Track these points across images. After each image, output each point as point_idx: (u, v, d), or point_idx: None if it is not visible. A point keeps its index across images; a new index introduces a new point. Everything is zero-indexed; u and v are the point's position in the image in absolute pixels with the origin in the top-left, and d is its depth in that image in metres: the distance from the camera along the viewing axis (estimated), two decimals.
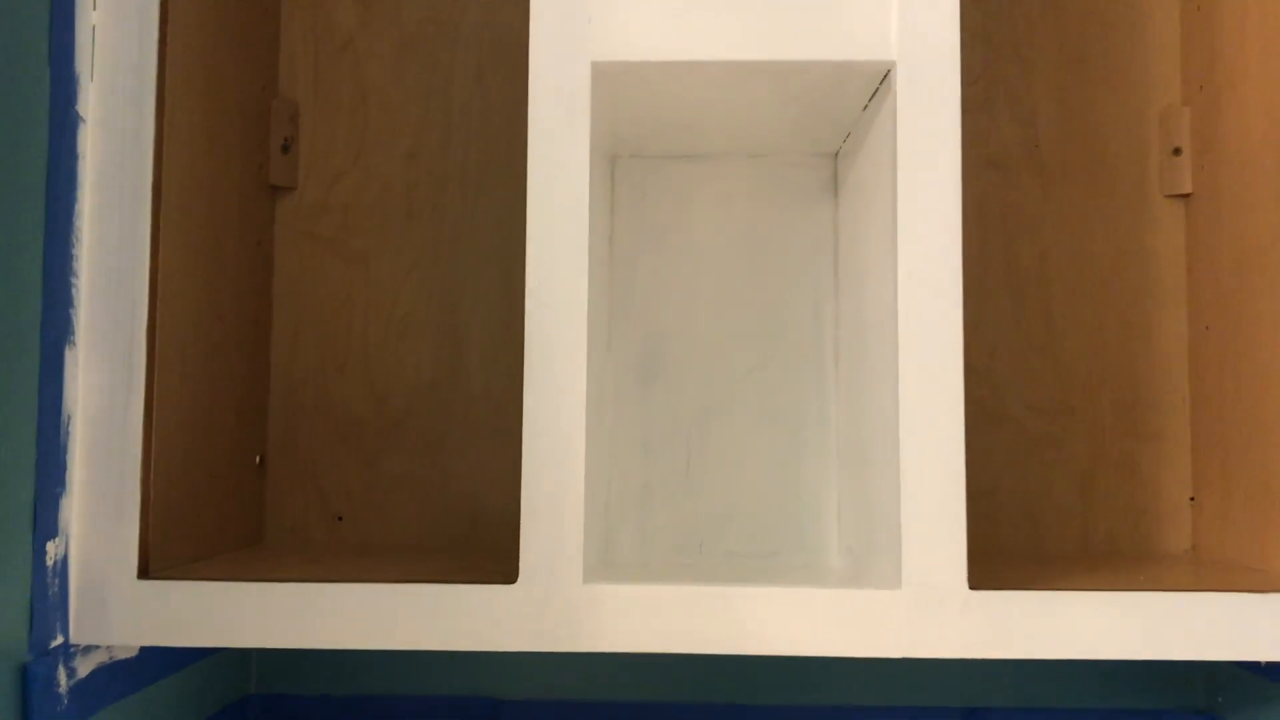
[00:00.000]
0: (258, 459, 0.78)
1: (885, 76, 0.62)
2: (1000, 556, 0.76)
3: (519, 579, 0.58)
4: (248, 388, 0.77)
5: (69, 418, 0.58)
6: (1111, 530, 0.79)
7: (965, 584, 0.57)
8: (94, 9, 0.60)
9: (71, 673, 0.58)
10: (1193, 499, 0.78)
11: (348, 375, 0.80)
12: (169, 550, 0.63)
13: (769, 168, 0.80)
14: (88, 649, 0.60)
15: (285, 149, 0.80)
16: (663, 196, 0.80)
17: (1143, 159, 0.80)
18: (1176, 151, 0.79)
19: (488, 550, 0.75)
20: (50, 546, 0.57)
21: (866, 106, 0.67)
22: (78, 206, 0.59)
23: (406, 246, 0.81)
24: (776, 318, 0.79)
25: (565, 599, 0.58)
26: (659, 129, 0.75)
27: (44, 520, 0.56)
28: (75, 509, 0.59)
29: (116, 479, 0.59)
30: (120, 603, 0.59)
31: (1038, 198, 0.81)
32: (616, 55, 0.61)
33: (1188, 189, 0.78)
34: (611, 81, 0.63)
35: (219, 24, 0.70)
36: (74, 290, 0.59)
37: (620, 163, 0.80)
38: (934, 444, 0.58)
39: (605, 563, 0.75)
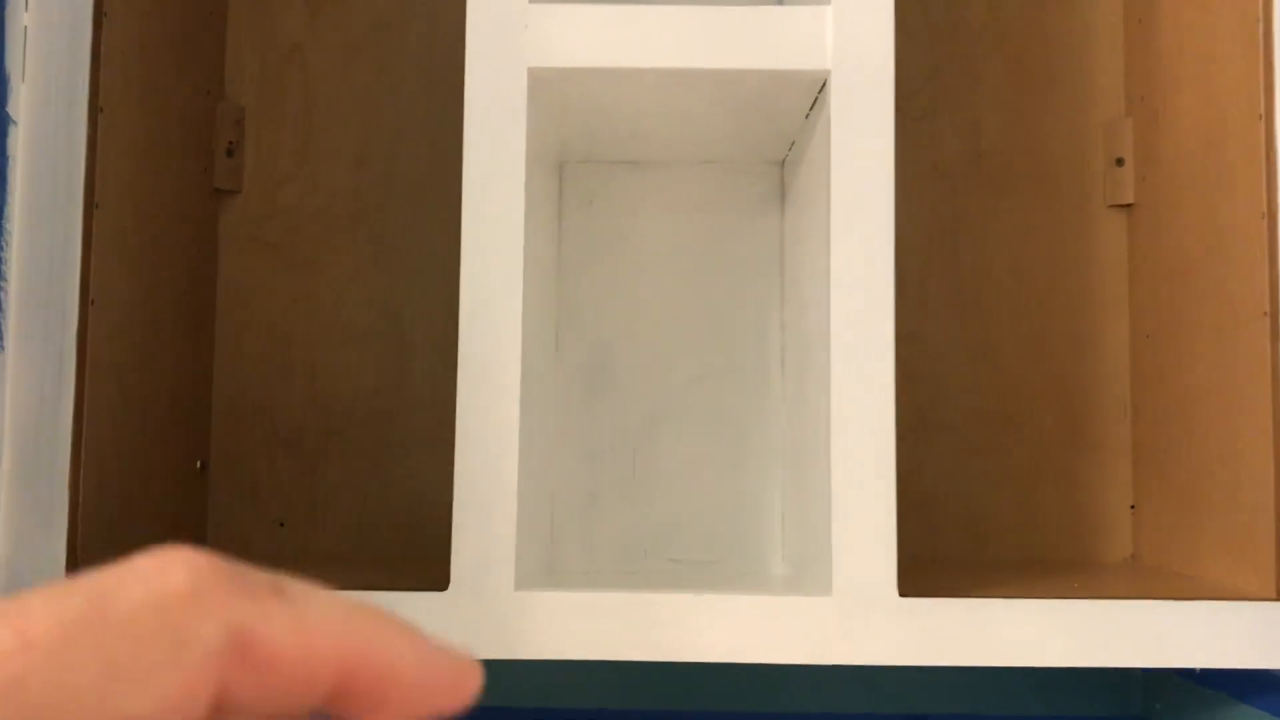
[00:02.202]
0: (199, 465, 0.78)
1: (823, 86, 0.62)
2: (940, 565, 0.76)
3: (450, 586, 0.58)
4: (189, 393, 0.76)
5: None
6: (1053, 538, 0.79)
7: (895, 591, 0.57)
8: (25, 9, 0.60)
9: None
10: (1133, 507, 0.79)
11: (291, 381, 0.80)
12: (102, 562, 0.62)
13: (717, 175, 0.80)
14: None
15: (230, 153, 0.80)
16: (611, 203, 0.80)
17: (1086, 169, 0.81)
18: (1119, 162, 0.79)
19: (429, 557, 0.74)
20: None
21: (808, 115, 0.68)
22: (7, 210, 0.59)
23: (352, 252, 0.81)
24: (724, 325, 0.79)
25: (496, 606, 0.58)
26: (605, 135, 0.75)
27: None
28: (0, 523, 0.58)
29: (44, 490, 0.58)
30: None
31: (982, 207, 0.81)
32: (553, 61, 0.61)
33: (1130, 199, 0.79)
34: (551, 88, 0.63)
35: (160, 26, 0.70)
36: (2, 296, 0.58)
37: (568, 169, 0.80)
38: (865, 452, 0.58)
39: (550, 570, 0.75)
